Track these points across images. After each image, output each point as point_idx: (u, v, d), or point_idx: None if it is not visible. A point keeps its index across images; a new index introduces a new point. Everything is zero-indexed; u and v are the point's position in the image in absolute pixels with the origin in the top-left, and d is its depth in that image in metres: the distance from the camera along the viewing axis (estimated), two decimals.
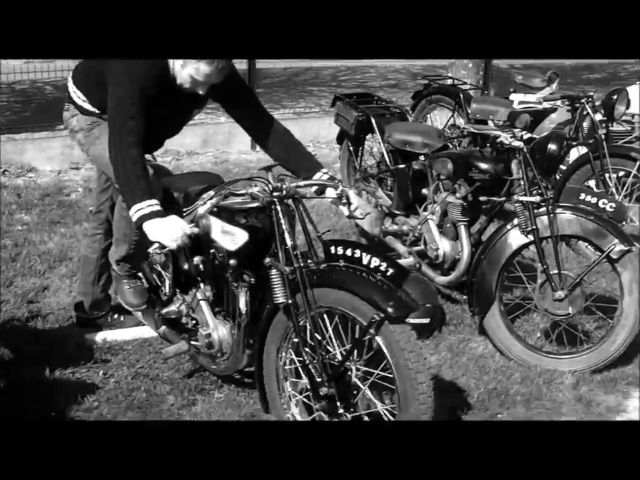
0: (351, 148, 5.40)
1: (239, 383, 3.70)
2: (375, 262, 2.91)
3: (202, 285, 3.53)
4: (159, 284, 3.85)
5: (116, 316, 4.20)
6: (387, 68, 12.27)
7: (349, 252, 2.98)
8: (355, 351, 2.96)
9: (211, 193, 3.10)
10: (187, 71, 3.25)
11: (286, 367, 3.22)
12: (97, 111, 3.62)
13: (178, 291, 3.69)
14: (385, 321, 2.78)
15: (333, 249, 3.02)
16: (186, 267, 3.55)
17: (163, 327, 3.75)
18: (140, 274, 3.88)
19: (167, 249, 3.15)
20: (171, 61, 3.29)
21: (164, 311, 3.70)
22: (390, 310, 2.75)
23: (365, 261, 2.93)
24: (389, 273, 2.88)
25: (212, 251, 3.35)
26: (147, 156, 4.12)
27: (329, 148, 7.98)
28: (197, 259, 3.48)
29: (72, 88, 3.71)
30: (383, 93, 10.10)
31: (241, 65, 8.60)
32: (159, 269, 3.80)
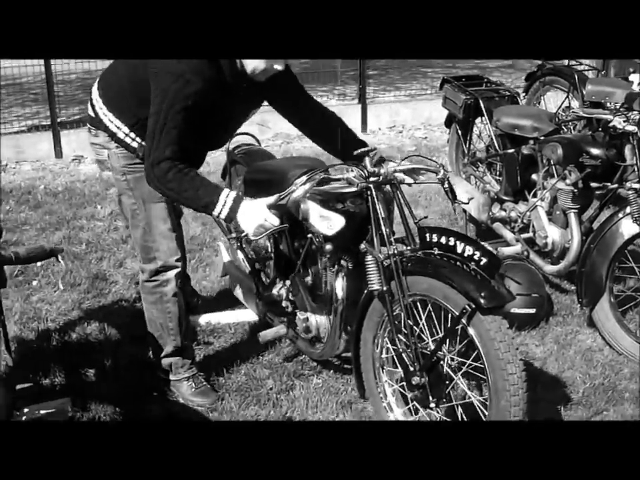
0: (460, 132, 5.27)
1: (338, 369, 3.70)
2: (469, 251, 2.84)
3: (301, 269, 3.53)
4: (262, 268, 3.89)
5: None
6: None
7: (443, 239, 2.92)
8: (448, 340, 2.93)
9: (304, 178, 3.08)
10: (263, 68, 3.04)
11: (382, 356, 3.20)
12: (133, 137, 3.19)
13: (278, 274, 3.71)
14: (477, 312, 2.73)
15: (428, 236, 2.97)
16: (286, 251, 3.56)
17: (264, 310, 3.78)
18: (198, 373, 3.58)
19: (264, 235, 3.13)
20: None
21: (265, 294, 3.73)
22: (482, 300, 2.70)
23: (459, 250, 2.87)
24: (482, 262, 2.81)
25: (309, 235, 3.34)
26: (251, 139, 4.15)
27: (441, 131, 7.83)
28: (296, 243, 3.49)
29: (102, 110, 3.22)
30: (499, 74, 9.94)
31: None
32: (262, 253, 3.84)
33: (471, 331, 2.77)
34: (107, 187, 6.20)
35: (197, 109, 2.97)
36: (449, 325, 2.89)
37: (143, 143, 3.11)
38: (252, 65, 3.04)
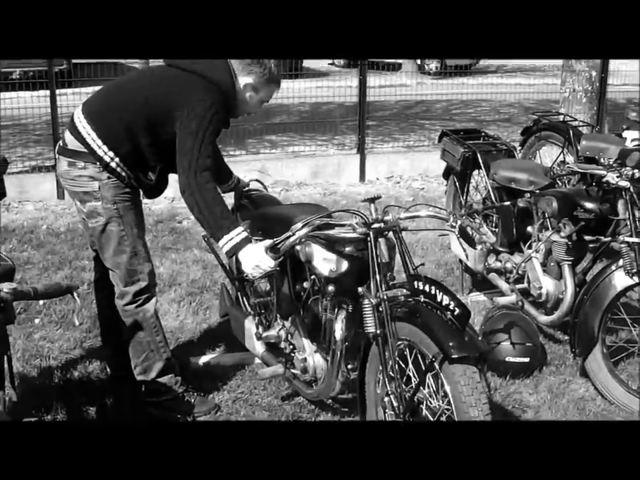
0: (457, 183, 5.38)
1: (336, 413, 3.76)
2: (446, 300, 2.94)
3: (301, 311, 3.62)
4: (262, 309, 3.97)
5: None
6: (500, 102, 12.21)
7: (427, 288, 3.02)
8: (426, 384, 3.00)
9: (299, 224, 3.17)
10: (261, 95, 3.50)
11: (385, 399, 3.23)
12: (122, 167, 3.42)
13: (278, 316, 3.79)
14: (446, 359, 2.84)
15: (416, 283, 3.07)
16: (287, 292, 3.64)
17: (263, 350, 3.84)
18: (188, 387, 3.79)
19: (260, 276, 3.28)
20: (241, 90, 3.44)
21: (264, 334, 3.81)
22: (450, 350, 2.81)
23: (438, 298, 2.97)
24: (455, 313, 2.91)
25: (312, 277, 3.42)
26: (259, 185, 4.28)
27: (438, 182, 7.99)
28: (297, 286, 3.57)
29: (95, 142, 3.38)
30: (496, 127, 10.13)
31: (351, 98, 8.83)
32: (262, 295, 3.92)
33: (442, 376, 2.89)
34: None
35: (219, 130, 3.42)
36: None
37: (130, 173, 3.45)
38: (251, 105, 3.53)
